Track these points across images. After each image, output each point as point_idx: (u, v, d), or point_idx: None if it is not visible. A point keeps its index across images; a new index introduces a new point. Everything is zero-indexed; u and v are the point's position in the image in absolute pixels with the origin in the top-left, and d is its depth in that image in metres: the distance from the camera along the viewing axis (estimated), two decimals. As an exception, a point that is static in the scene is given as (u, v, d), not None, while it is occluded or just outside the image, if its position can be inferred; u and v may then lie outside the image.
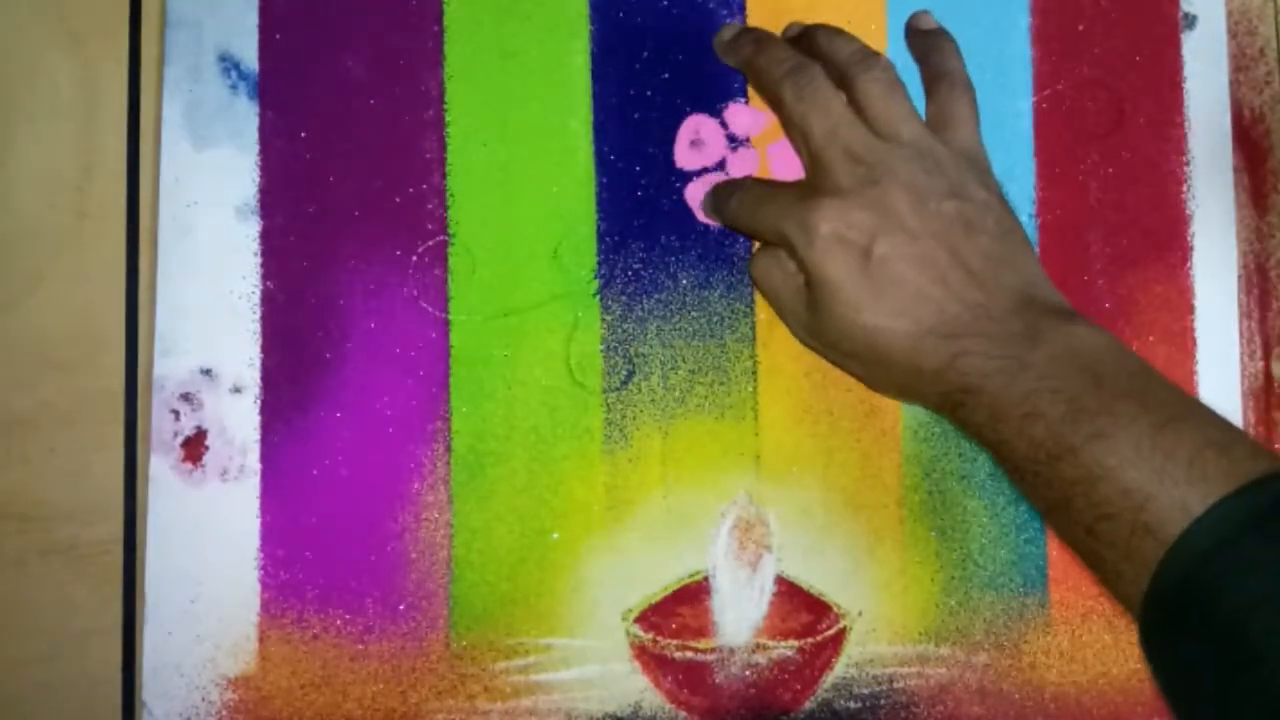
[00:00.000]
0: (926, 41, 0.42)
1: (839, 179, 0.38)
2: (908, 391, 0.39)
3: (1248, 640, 0.29)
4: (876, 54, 0.40)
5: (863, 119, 0.39)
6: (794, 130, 0.40)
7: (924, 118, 0.41)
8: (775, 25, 0.44)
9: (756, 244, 0.43)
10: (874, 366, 0.38)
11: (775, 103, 0.41)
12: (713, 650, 0.42)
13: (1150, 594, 0.31)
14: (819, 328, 0.39)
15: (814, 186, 0.39)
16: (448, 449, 0.42)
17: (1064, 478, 0.33)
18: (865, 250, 0.37)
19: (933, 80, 0.42)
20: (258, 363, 0.42)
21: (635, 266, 0.43)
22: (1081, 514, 0.33)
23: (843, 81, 0.40)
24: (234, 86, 0.43)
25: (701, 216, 0.43)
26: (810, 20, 0.43)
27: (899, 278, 0.36)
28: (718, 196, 0.42)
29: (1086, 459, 0.33)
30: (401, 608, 0.42)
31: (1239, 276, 0.45)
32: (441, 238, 0.43)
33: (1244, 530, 0.30)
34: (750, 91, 0.44)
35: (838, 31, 0.42)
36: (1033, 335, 0.35)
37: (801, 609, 0.43)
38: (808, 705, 0.42)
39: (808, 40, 0.42)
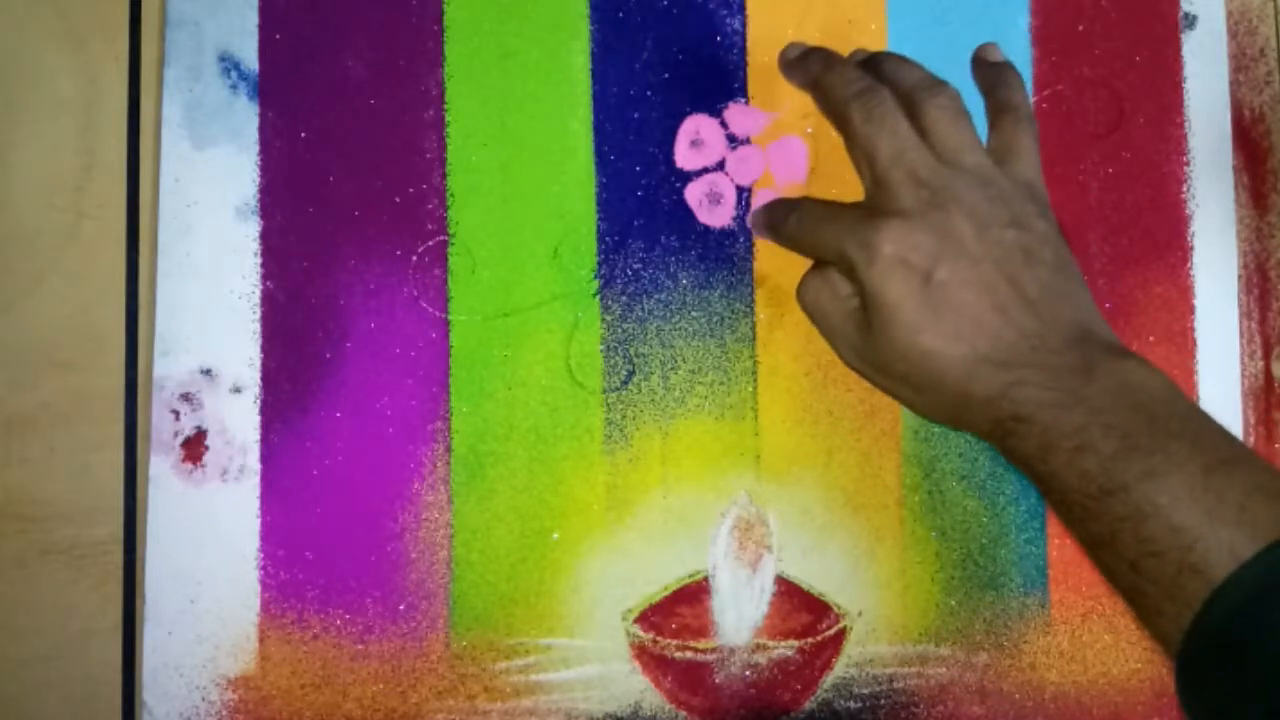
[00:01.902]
0: (993, 74, 0.42)
1: (903, 201, 0.38)
2: (957, 418, 0.39)
3: None
4: (944, 82, 0.40)
5: (927, 144, 0.39)
6: (858, 151, 0.40)
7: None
8: (775, 24, 0.44)
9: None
10: (925, 391, 0.38)
11: (841, 122, 0.41)
12: (713, 650, 0.42)
13: (1192, 633, 0.32)
14: (871, 350, 0.39)
15: (877, 208, 0.39)
16: (448, 449, 0.42)
17: (1113, 513, 0.34)
18: (926, 273, 0.37)
19: (998, 112, 0.42)
20: (258, 363, 0.42)
21: (635, 266, 0.43)
22: (1127, 549, 0.33)
23: (909, 107, 0.40)
24: (234, 86, 0.43)
25: (702, 218, 0.43)
26: (810, 20, 0.43)
27: (959, 302, 0.37)
28: (773, 214, 0.42)
29: (1137, 496, 0.33)
30: (401, 608, 0.42)
31: (1239, 276, 0.45)
32: (441, 238, 0.43)
33: None
34: (750, 91, 0.44)
35: (904, 59, 0.42)
36: (1087, 370, 0.35)
37: (801, 609, 0.43)
38: (808, 705, 0.42)
39: (874, 65, 0.42)
